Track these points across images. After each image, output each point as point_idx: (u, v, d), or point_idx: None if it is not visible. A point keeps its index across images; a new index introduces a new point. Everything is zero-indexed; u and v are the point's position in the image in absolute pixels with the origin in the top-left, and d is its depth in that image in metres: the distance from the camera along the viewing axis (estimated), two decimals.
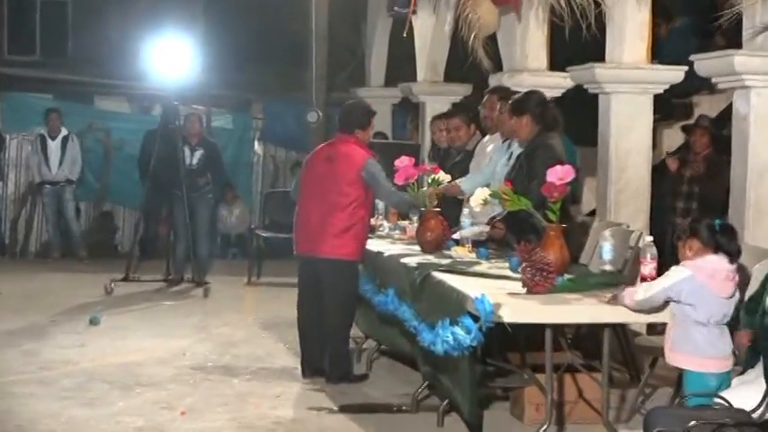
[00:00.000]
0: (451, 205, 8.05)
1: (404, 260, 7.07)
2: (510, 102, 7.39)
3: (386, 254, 7.56)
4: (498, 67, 10.43)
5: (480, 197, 6.62)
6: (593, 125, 9.17)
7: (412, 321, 6.44)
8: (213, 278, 12.34)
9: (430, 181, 7.63)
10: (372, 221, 9.03)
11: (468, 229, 7.43)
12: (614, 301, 5.54)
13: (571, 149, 9.39)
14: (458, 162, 8.64)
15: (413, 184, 7.54)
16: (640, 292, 5.36)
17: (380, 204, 9.27)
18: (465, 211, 7.54)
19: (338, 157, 7.63)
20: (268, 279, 12.67)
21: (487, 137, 8.31)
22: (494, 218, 7.23)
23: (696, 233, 5.28)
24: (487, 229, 7.31)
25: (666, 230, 10.01)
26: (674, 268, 5.28)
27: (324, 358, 7.69)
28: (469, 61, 10.26)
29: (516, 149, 7.46)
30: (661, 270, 5.63)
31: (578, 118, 9.60)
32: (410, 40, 13.18)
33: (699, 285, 5.18)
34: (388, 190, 7.72)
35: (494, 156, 7.94)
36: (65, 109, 15.54)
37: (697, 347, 5.22)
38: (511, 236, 7.02)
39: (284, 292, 11.55)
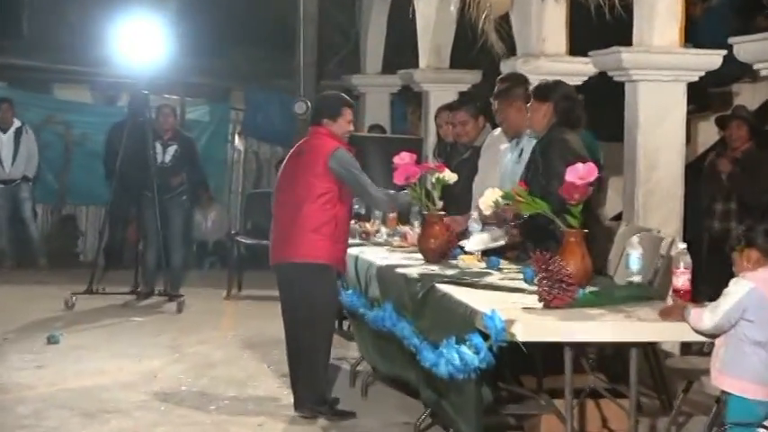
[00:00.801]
0: (458, 208, 8.04)
1: (404, 271, 7.06)
2: (535, 86, 7.40)
3: (383, 263, 7.54)
4: (512, 51, 10.42)
5: (490, 199, 6.60)
6: (619, 118, 9.16)
7: (412, 339, 6.42)
8: (188, 291, 12.34)
9: (434, 180, 7.60)
10: (369, 227, 9.04)
11: (477, 237, 7.39)
12: (671, 316, 5.42)
13: (594, 145, 9.37)
14: (465, 159, 8.63)
15: (414, 184, 7.50)
16: (706, 320, 5.22)
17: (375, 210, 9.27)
18: (474, 215, 7.53)
19: (306, 149, 7.65)
20: (250, 291, 12.67)
21: (499, 129, 8.29)
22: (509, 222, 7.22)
23: (753, 242, 5.22)
24: (499, 233, 7.29)
25: (702, 236, 10.01)
26: (733, 282, 5.19)
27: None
28: (479, 45, 10.25)
29: (527, 145, 7.45)
30: (695, 281, 5.62)
31: (602, 110, 9.58)
32: (411, 20, 13.20)
33: (762, 299, 5.12)
34: (364, 184, 7.60)
35: (503, 159, 7.92)
36: (19, 99, 15.53)
37: (751, 371, 5.16)
38: (529, 243, 7.00)
39: (268, 306, 11.52)
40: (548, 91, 7.19)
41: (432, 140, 11.73)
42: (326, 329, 7.62)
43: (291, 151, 7.88)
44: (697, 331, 5.32)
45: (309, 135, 7.78)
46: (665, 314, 5.45)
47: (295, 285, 7.51)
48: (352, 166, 7.53)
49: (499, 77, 8.49)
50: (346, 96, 7.95)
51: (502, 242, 7.32)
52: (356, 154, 7.71)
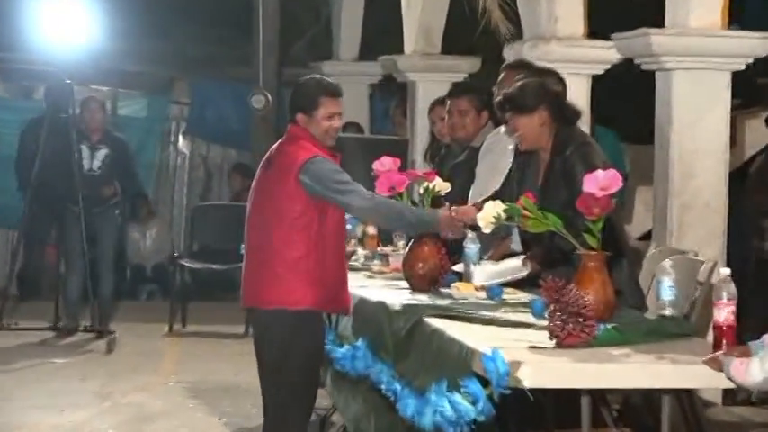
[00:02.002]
0: None
1: (385, 301, 7.06)
2: (504, 97, 7.28)
3: (359, 292, 7.53)
4: (520, 33, 10.45)
5: (490, 214, 6.57)
6: (649, 114, 9.20)
7: (391, 384, 6.38)
8: (120, 326, 12.33)
9: (422, 191, 7.59)
10: None
11: (487, 268, 7.35)
12: (714, 364, 5.37)
13: (617, 149, 9.42)
14: (461, 162, 8.63)
15: (399, 195, 7.45)
16: (754, 370, 5.03)
17: (349, 224, 9.26)
18: (470, 234, 7.53)
19: (276, 158, 7.08)
20: (196, 327, 12.66)
21: (503, 127, 8.29)
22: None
23: None
24: (516, 263, 7.25)
25: (748, 260, 10.05)
26: None
27: None
28: (480, 26, 10.27)
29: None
30: (741, 315, 5.64)
31: (627, 105, 9.62)
32: None
33: None
34: (346, 197, 6.92)
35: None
36: None
37: None
38: (545, 272, 6.98)
39: (217, 344, 11.54)
40: (527, 98, 7.05)
41: (419, 141, 11.75)
42: (304, 393, 7.04)
43: (263, 159, 7.30)
44: (744, 387, 5.24)
45: (284, 136, 7.21)
46: (709, 362, 5.38)
47: (266, 338, 7.02)
48: (329, 179, 6.89)
49: (503, 65, 8.52)
50: (329, 81, 7.31)
51: (521, 275, 7.25)
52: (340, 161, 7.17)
